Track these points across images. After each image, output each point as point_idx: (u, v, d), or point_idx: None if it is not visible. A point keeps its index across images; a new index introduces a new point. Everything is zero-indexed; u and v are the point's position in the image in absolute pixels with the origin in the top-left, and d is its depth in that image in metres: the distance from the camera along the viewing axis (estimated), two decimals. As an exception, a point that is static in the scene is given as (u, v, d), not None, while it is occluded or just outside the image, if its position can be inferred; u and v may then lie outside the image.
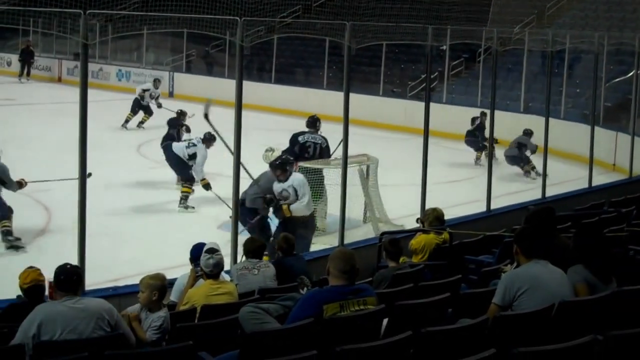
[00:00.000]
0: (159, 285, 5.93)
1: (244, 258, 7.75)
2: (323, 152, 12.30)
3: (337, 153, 12.02)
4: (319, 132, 12.65)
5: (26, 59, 32.24)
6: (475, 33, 18.26)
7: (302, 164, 11.87)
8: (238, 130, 8.66)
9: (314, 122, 12.72)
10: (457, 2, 25.57)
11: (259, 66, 28.71)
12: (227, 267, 7.29)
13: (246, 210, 10.15)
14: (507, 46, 19.15)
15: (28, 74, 32.14)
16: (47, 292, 6.23)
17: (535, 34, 22.97)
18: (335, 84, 24.59)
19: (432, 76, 14.77)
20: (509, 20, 25.70)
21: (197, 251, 7.01)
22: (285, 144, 12.68)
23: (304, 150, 12.33)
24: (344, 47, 9.59)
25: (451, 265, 7.92)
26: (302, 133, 12.58)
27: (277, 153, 12.05)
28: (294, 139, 12.52)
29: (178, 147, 13.79)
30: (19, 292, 6.27)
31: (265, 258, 7.95)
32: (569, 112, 21.34)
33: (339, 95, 10.16)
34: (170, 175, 14.74)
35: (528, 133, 17.21)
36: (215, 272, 6.59)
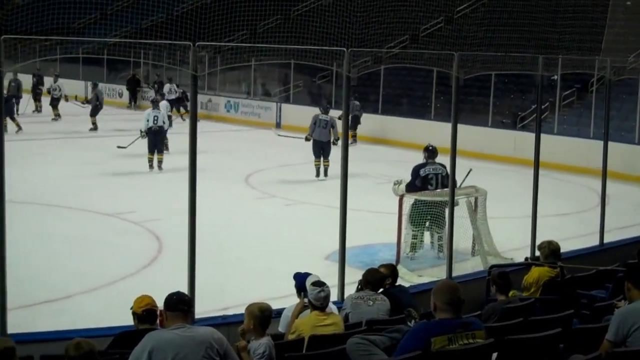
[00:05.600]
0: (261, 315, 5.95)
1: (354, 290, 7.71)
2: (444, 180, 12.19)
3: (464, 183, 11.99)
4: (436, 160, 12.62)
5: (133, 88, 33.25)
6: (587, 62, 17.94)
7: (422, 197, 11.85)
8: (345, 161, 8.66)
9: (433, 152, 12.65)
10: (569, 31, 25.14)
11: (366, 97, 28.79)
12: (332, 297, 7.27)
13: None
14: (621, 75, 18.70)
15: (135, 101, 33.10)
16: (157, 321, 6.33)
17: (651, 63, 22.40)
18: (443, 114, 24.43)
19: (542, 107, 14.52)
20: (623, 49, 25.07)
21: (300, 280, 7.02)
22: (394, 175, 12.66)
23: (426, 183, 12.30)
24: (452, 77, 9.52)
25: (563, 299, 7.72)
26: (423, 165, 12.52)
27: (403, 186, 12.14)
28: (415, 172, 12.47)
29: None
30: (132, 320, 6.38)
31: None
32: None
33: (447, 126, 10.09)
34: (279, 206, 14.86)
35: None
36: (324, 305, 6.60)
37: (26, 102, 30.42)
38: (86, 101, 29.47)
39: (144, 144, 19.61)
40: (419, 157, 12.90)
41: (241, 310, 6.17)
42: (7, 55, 7.47)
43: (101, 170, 19.26)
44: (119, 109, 33.17)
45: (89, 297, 10.23)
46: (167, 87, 30.80)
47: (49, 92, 29.48)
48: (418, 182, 12.32)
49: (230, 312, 8.22)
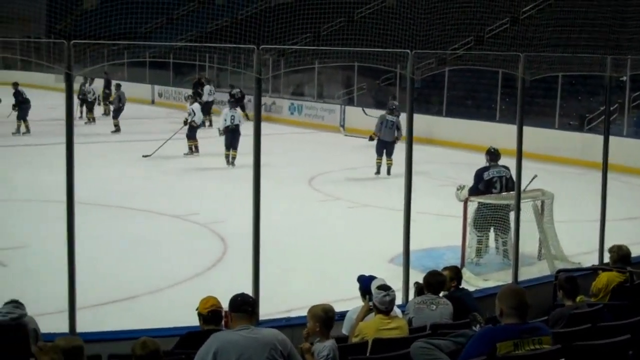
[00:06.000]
0: (325, 316, 5.95)
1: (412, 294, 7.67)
2: (509, 183, 12.02)
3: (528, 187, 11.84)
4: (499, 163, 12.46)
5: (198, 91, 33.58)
6: (658, 63, 17.57)
7: (487, 200, 11.74)
8: (409, 164, 8.63)
9: (496, 155, 12.49)
10: (639, 31, 24.66)
11: (428, 98, 28.65)
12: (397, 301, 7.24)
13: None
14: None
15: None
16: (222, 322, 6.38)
17: None
18: (508, 116, 24.16)
19: (611, 108, 14.28)
20: (695, 49, 24.53)
21: (365, 283, 7.00)
22: (457, 178, 12.55)
23: (490, 186, 12.12)
24: (518, 78, 9.41)
25: (632, 305, 7.56)
26: (486, 169, 12.36)
27: (466, 192, 12.02)
28: (478, 176, 12.31)
29: None
30: (197, 321, 6.44)
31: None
32: None
33: (512, 128, 9.97)
34: (342, 208, 14.86)
35: None
36: (389, 308, 6.58)
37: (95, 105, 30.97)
38: (109, 102, 30.05)
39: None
40: (484, 160, 12.76)
41: (305, 312, 6.19)
42: (77, 60, 7.60)
43: (167, 172, 19.52)
44: (185, 112, 33.47)
45: (155, 298, 10.37)
46: (207, 89, 31.13)
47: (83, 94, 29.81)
48: (481, 185, 12.17)
49: (294, 314, 8.24)
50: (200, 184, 18.09)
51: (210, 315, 6.29)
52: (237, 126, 20.67)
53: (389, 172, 19.57)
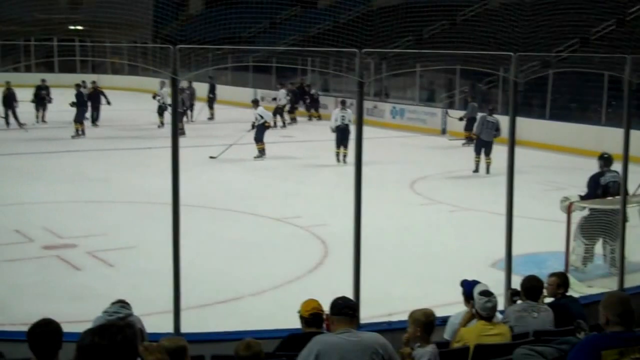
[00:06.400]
0: (426, 320, 5.94)
1: (519, 300, 7.56)
2: (620, 188, 11.75)
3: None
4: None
5: (301, 97, 33.83)
6: None
7: (601, 206, 11.48)
8: (511, 166, 8.53)
9: (609, 160, 12.18)
10: None
11: (534, 102, 28.19)
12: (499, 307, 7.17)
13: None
14: None
15: (308, 110, 33.72)
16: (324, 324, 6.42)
17: None
18: (614, 120, 23.57)
19: None
20: None
21: (468, 288, 6.95)
22: (562, 182, 12.32)
23: (607, 193, 11.83)
24: (624, 81, 9.19)
25: None
26: (601, 174, 12.06)
27: (575, 199, 11.78)
28: (594, 181, 12.02)
29: None
30: (299, 323, 6.49)
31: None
32: None
33: (619, 132, 9.74)
34: (444, 212, 14.75)
35: None
36: (491, 315, 6.52)
37: (199, 110, 31.57)
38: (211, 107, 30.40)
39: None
40: (590, 164, 12.50)
41: (406, 316, 6.19)
42: (182, 64, 7.79)
43: (270, 176, 19.78)
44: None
45: (258, 300, 10.49)
46: (282, 93, 31.42)
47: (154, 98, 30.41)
48: (600, 191, 11.89)
49: (394, 318, 8.23)
50: (304, 189, 18.24)
51: (312, 318, 6.33)
52: (347, 125, 21.56)
53: (488, 171, 20.19)
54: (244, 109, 34.56)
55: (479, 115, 21.51)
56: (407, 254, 12.64)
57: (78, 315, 7.71)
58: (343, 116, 21.96)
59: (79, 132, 26.37)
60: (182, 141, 7.56)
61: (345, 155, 21.45)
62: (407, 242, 13.38)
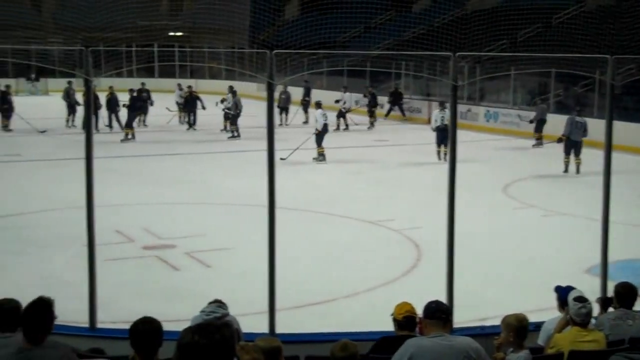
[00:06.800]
0: (519, 325, 5.92)
1: (610, 308, 7.45)
2: None
3: None
4: None
5: (395, 101, 33.76)
6: None
7: None
8: (607, 171, 8.43)
9: None
10: None
11: (626, 104, 27.52)
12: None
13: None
14: None
15: (403, 114, 33.66)
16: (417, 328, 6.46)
17: None
18: None
19: None
20: None
21: (563, 294, 6.90)
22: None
23: None
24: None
25: None
26: None
27: None
28: None
29: None
30: (392, 326, 6.54)
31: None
32: None
33: None
34: (537, 216, 14.56)
35: None
36: (586, 321, 6.46)
37: (294, 113, 31.88)
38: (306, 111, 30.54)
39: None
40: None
41: (499, 321, 6.18)
42: (278, 69, 7.95)
43: (364, 180, 19.86)
44: (379, 119, 33.94)
45: (352, 301, 10.56)
46: (346, 96, 31.43)
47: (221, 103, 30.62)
48: None
49: (487, 323, 8.22)
50: (397, 192, 18.26)
51: (405, 321, 6.35)
52: (446, 125, 21.74)
53: (578, 171, 20.36)
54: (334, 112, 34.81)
55: (567, 116, 21.61)
56: (500, 259, 12.55)
57: (176, 314, 7.88)
58: (442, 117, 22.72)
59: (129, 137, 26.68)
60: (278, 144, 7.70)
61: (445, 153, 21.62)
62: (500, 247, 13.29)
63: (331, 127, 24.42)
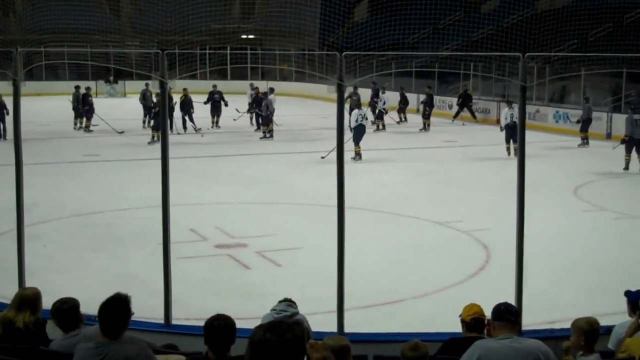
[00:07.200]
0: (589, 329, 5.88)
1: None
2: None
3: None
4: None
5: (464, 103, 33.49)
6: None
7: None
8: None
9: None
10: None
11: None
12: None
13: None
14: None
15: (474, 116, 33.43)
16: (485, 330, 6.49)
17: None
18: None
19: None
20: None
21: (634, 298, 6.86)
22: None
23: None
24: None
25: None
26: None
27: None
28: None
29: None
30: (460, 327, 6.57)
31: None
32: None
33: None
34: (607, 219, 14.40)
35: None
36: (658, 326, 6.42)
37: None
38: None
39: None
40: None
41: (568, 324, 6.17)
42: (347, 71, 8.05)
43: (433, 180, 19.83)
44: (446, 120, 33.82)
45: (420, 302, 10.59)
46: (385, 96, 31.27)
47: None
48: None
49: (557, 326, 8.19)
50: (465, 193, 18.19)
51: (473, 322, 6.36)
52: (515, 123, 22.37)
53: None
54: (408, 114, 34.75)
55: (626, 115, 22.01)
56: (570, 262, 12.44)
57: (247, 312, 8.04)
58: (512, 114, 23.42)
59: (155, 139, 26.42)
60: (347, 144, 7.80)
61: (515, 149, 21.59)
62: (570, 250, 13.16)
63: (369, 129, 24.43)
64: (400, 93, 33.82)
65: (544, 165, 20.70)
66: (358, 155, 22.65)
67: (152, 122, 27.41)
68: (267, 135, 28.21)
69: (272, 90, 29.98)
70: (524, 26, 32.52)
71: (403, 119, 33.52)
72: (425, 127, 31.23)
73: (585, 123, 26.32)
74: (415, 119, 32.67)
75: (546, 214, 14.94)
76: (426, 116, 31.54)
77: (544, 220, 14.04)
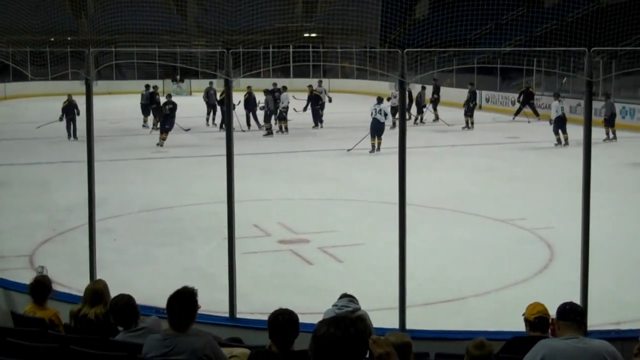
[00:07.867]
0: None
1: None
2: None
3: None
4: None
5: (525, 101, 32.96)
6: None
7: None
8: None
9: None
10: None
11: None
12: None
13: None
14: None
15: (536, 113, 33.05)
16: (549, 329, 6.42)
17: None
18: None
19: None
20: None
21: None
22: None
23: None
24: None
25: None
26: None
27: None
28: None
29: None
30: (523, 326, 6.53)
31: None
32: None
33: None
34: None
35: None
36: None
37: (425, 111, 31.96)
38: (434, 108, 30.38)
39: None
40: None
41: (637, 325, 6.08)
42: (409, 68, 8.07)
43: (496, 177, 19.69)
44: (508, 116, 33.50)
45: (482, 300, 10.55)
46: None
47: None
48: None
49: (624, 327, 8.08)
50: (528, 189, 18.03)
51: (537, 321, 6.30)
52: (564, 115, 24.79)
53: None
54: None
55: None
56: (637, 261, 12.26)
57: (309, 307, 8.14)
58: (562, 107, 25.00)
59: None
60: (409, 141, 7.80)
61: (566, 139, 24.59)
62: (637, 249, 12.97)
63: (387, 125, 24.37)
64: (433, 85, 33.48)
65: (608, 163, 20.29)
66: (373, 147, 23.17)
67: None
68: (283, 130, 28.85)
69: (284, 88, 30.21)
70: (589, 20, 32.00)
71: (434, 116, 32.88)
72: (468, 125, 30.23)
73: (611, 118, 26.22)
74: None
75: (612, 211, 14.68)
76: (468, 114, 30.49)
77: (610, 218, 13.82)
